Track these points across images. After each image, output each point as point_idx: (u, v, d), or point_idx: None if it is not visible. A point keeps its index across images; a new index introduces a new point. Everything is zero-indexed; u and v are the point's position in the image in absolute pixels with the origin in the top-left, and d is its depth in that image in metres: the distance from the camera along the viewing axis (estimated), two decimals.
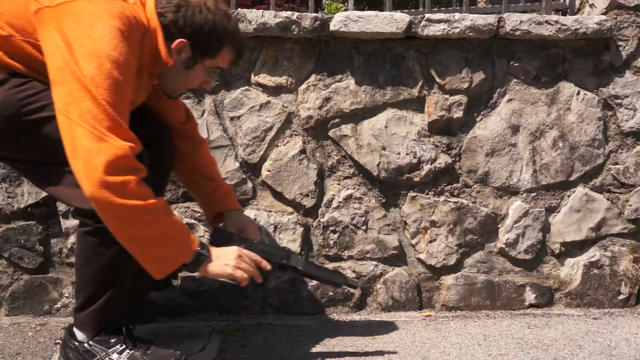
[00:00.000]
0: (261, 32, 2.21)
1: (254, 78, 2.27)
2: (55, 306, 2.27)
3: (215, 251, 1.65)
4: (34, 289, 2.26)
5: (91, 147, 1.44)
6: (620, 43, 2.35)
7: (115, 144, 1.45)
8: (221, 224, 2.02)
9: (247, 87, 2.27)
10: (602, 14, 2.35)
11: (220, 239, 1.77)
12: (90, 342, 1.69)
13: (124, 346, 1.69)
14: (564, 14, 2.60)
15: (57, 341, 2.00)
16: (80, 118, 1.45)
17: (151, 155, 1.65)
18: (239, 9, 2.25)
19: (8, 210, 2.23)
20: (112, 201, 1.45)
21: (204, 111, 2.27)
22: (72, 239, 2.25)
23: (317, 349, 1.93)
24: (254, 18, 2.20)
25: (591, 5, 2.42)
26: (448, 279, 2.34)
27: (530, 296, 2.36)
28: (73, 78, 1.47)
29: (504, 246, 2.35)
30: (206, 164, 2.06)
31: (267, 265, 1.72)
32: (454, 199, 2.34)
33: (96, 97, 1.45)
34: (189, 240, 1.60)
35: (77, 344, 1.70)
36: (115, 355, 1.68)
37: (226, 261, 1.64)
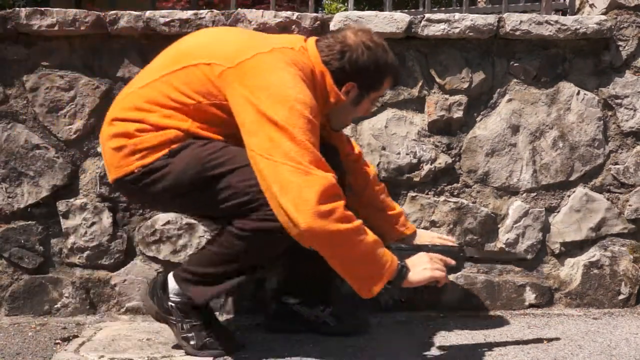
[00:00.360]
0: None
1: None
2: (55, 306, 2.27)
3: (408, 261, 1.73)
4: (33, 289, 2.26)
5: (300, 182, 1.55)
6: (620, 43, 2.35)
7: (320, 175, 1.57)
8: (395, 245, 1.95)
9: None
10: (602, 14, 2.35)
11: (400, 251, 1.81)
12: (174, 302, 1.83)
13: (198, 323, 1.82)
14: (564, 14, 2.60)
15: (57, 341, 2.00)
16: (284, 157, 1.57)
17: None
18: (239, 8, 2.25)
19: (8, 210, 2.24)
20: (327, 229, 1.56)
21: None
22: (72, 239, 2.25)
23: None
24: (254, 18, 2.20)
25: (591, 5, 2.42)
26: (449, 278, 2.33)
27: (530, 296, 2.36)
28: (269, 124, 1.60)
29: (504, 246, 2.35)
30: (376, 195, 2.12)
31: (452, 261, 1.83)
32: (454, 199, 2.34)
33: (295, 136, 1.58)
34: (391, 256, 1.68)
35: (161, 293, 1.83)
36: (186, 326, 1.82)
37: (423, 266, 1.73)
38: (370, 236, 1.65)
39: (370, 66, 1.81)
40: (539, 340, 2.01)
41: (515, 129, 2.34)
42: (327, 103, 1.82)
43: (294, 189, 1.55)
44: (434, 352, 1.91)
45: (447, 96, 2.32)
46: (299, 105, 1.62)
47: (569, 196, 2.37)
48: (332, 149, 1.95)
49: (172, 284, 1.84)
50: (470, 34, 2.26)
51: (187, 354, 1.86)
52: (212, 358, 1.84)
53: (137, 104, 1.76)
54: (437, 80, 2.31)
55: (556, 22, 2.28)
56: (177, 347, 1.91)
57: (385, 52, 1.84)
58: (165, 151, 1.71)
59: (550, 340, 2.00)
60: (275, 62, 1.69)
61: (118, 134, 1.76)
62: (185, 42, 1.89)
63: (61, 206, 2.25)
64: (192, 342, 1.84)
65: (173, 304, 1.83)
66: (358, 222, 1.62)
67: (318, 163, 1.60)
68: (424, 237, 2.14)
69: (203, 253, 1.83)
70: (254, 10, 2.23)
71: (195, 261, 1.83)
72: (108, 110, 1.86)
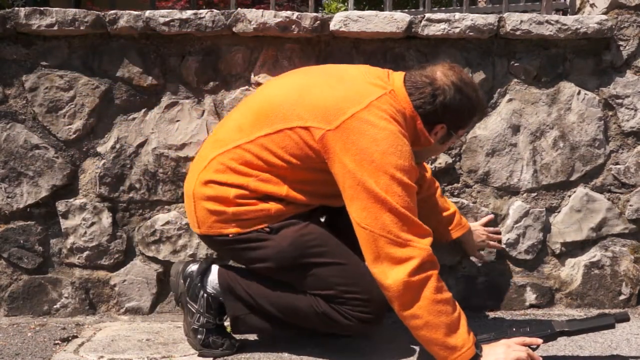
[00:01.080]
0: (261, 32, 2.21)
1: (253, 78, 2.27)
2: (55, 306, 2.26)
3: (485, 348, 1.69)
4: (33, 290, 2.25)
5: (397, 256, 1.62)
6: (621, 43, 2.34)
7: (418, 246, 1.62)
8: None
9: (246, 87, 2.27)
10: (603, 13, 2.35)
11: (481, 340, 1.74)
12: (209, 293, 1.85)
13: (213, 322, 1.86)
14: (565, 13, 2.60)
15: (57, 342, 1.99)
16: (383, 230, 1.62)
17: None
18: (239, 8, 2.24)
19: (7, 210, 2.23)
20: (412, 296, 1.62)
21: (203, 111, 2.26)
22: (71, 239, 2.25)
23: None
24: (253, 18, 2.20)
25: (592, 5, 2.42)
26: (448, 279, 2.33)
27: (530, 296, 2.36)
28: (367, 194, 1.63)
29: (504, 246, 2.34)
30: (434, 198, 2.17)
31: (539, 341, 1.73)
32: (455, 199, 2.33)
33: (393, 207, 1.62)
34: (469, 340, 1.65)
35: (198, 279, 1.85)
36: (202, 320, 1.85)
37: (497, 356, 1.66)
38: (456, 309, 1.66)
39: (462, 109, 1.80)
40: None
41: (515, 129, 2.34)
42: (416, 143, 1.81)
43: (390, 261, 1.62)
44: None
45: None
46: (399, 173, 1.64)
47: (569, 196, 2.37)
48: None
49: (213, 276, 1.86)
50: (471, 33, 2.26)
51: (190, 344, 1.89)
52: (212, 358, 1.84)
53: (232, 166, 1.77)
54: None
55: (557, 21, 2.27)
56: (176, 346, 1.90)
57: (474, 91, 1.83)
58: (264, 225, 1.76)
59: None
60: (375, 121, 1.68)
61: (216, 198, 1.78)
62: (272, 90, 1.87)
63: (60, 206, 2.24)
64: (199, 337, 1.86)
65: (206, 294, 1.85)
66: (448, 293, 1.65)
67: (417, 231, 1.64)
68: (475, 233, 2.24)
69: (270, 288, 1.84)
70: (253, 10, 2.22)
71: (257, 289, 1.83)
72: (195, 163, 1.90)
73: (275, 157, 1.74)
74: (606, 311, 2.32)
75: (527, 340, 1.72)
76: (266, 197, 1.76)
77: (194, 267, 1.88)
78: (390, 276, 1.62)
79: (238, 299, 1.83)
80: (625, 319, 1.78)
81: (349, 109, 1.69)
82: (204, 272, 1.87)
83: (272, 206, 1.76)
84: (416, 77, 1.79)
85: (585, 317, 1.78)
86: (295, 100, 1.76)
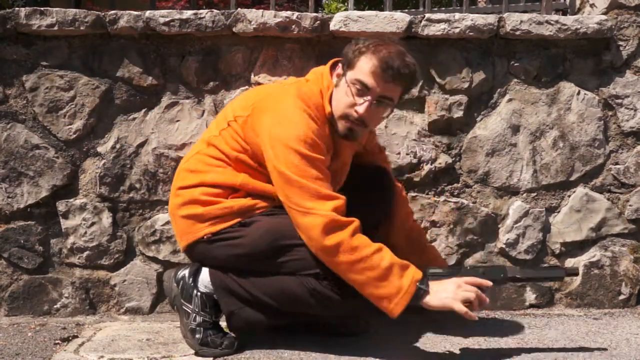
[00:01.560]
0: (261, 32, 2.21)
1: (253, 78, 2.27)
2: (55, 306, 2.26)
3: (434, 285, 1.71)
4: (33, 289, 2.26)
5: (304, 225, 1.70)
6: (620, 43, 2.34)
7: (319, 213, 1.68)
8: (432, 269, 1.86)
9: (246, 86, 2.27)
10: (603, 13, 2.35)
11: (434, 275, 1.77)
12: (202, 292, 1.87)
13: (209, 320, 1.87)
14: (564, 13, 2.60)
15: (57, 341, 1.99)
16: (289, 201, 1.72)
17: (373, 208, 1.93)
18: (239, 8, 2.24)
19: (8, 210, 2.23)
20: (332, 261, 1.69)
21: (203, 111, 2.27)
22: (72, 239, 2.25)
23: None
24: (253, 18, 2.20)
25: (592, 5, 2.42)
26: None
27: (530, 296, 2.36)
28: (272, 168, 1.74)
29: (504, 246, 2.35)
30: (416, 230, 2.19)
31: (489, 283, 1.73)
32: (454, 199, 2.33)
33: (291, 178, 1.70)
34: (411, 278, 1.68)
35: (190, 280, 1.88)
36: (199, 319, 1.87)
37: (445, 294, 1.69)
38: (385, 260, 1.68)
39: (350, 45, 1.83)
40: (539, 341, 2.00)
41: (515, 129, 2.34)
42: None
43: (302, 229, 1.71)
44: (434, 352, 1.91)
45: (447, 96, 2.31)
46: (296, 144, 1.72)
47: (569, 196, 2.37)
48: (381, 172, 2.03)
49: (205, 275, 1.88)
50: (471, 33, 2.26)
51: (188, 345, 1.88)
52: (212, 358, 1.84)
53: (192, 168, 1.89)
54: (437, 80, 2.31)
55: (556, 22, 2.28)
56: (176, 346, 1.90)
57: (373, 42, 1.81)
58: (236, 221, 1.82)
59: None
60: (279, 96, 1.82)
61: (186, 203, 1.86)
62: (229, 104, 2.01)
63: (61, 206, 2.24)
64: (197, 336, 1.86)
65: (200, 293, 1.87)
66: (367, 250, 1.68)
67: (318, 199, 1.69)
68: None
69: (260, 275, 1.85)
70: (253, 10, 2.22)
71: (248, 280, 1.84)
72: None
73: (224, 154, 1.85)
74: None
75: (478, 281, 1.72)
76: (229, 192, 1.84)
77: (185, 271, 1.91)
78: (311, 245, 1.71)
79: (231, 293, 1.85)
80: (574, 273, 1.85)
81: (264, 93, 1.87)
82: (196, 273, 1.90)
83: (236, 202, 1.82)
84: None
85: (538, 267, 1.84)
86: (236, 102, 1.94)
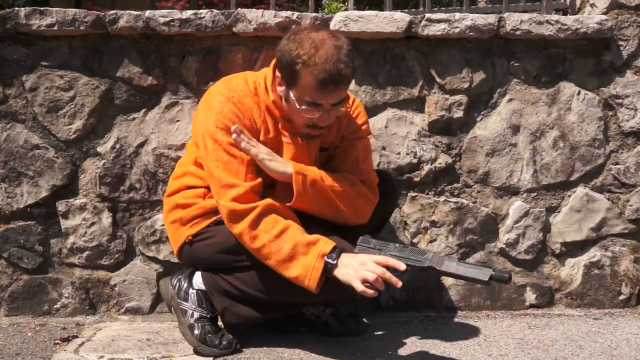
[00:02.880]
0: (261, 32, 2.21)
1: None
2: (55, 306, 2.26)
3: (344, 258, 1.70)
4: (33, 289, 2.25)
5: (223, 210, 1.76)
6: (621, 43, 2.34)
7: (222, 203, 1.75)
8: (364, 237, 1.82)
9: None
10: (603, 13, 2.35)
11: (362, 246, 1.76)
12: (197, 289, 1.92)
13: (206, 315, 1.90)
14: (565, 13, 2.60)
15: (57, 341, 1.99)
16: (214, 193, 1.79)
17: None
18: (239, 8, 2.24)
19: (7, 210, 2.23)
20: (247, 247, 1.75)
21: None
22: (72, 239, 2.25)
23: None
24: (253, 18, 2.20)
25: (592, 5, 2.42)
26: (448, 279, 2.34)
27: (530, 296, 2.36)
28: (203, 159, 1.83)
29: (504, 246, 2.35)
30: None
31: (402, 266, 1.66)
32: (454, 199, 2.33)
33: (208, 168, 1.78)
34: (313, 254, 1.69)
35: (185, 281, 1.93)
36: (196, 315, 1.90)
37: (348, 270, 1.67)
38: (288, 242, 1.70)
39: (285, 63, 1.73)
40: (539, 341, 2.00)
41: (515, 129, 2.34)
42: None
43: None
44: (434, 352, 1.91)
45: (447, 96, 2.31)
46: (210, 127, 1.78)
47: (569, 196, 2.37)
48: (381, 177, 1.99)
49: (198, 277, 1.94)
50: (471, 33, 2.26)
51: (188, 342, 1.90)
52: (212, 358, 1.84)
53: (174, 175, 2.00)
54: (437, 80, 2.31)
55: (557, 21, 2.28)
56: (176, 346, 1.90)
57: (299, 45, 1.70)
58: (212, 220, 1.87)
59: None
60: (211, 91, 1.89)
61: (171, 209, 1.95)
62: None
63: (61, 206, 2.24)
64: (195, 332, 1.88)
65: (195, 290, 1.92)
66: (269, 236, 1.71)
67: (221, 185, 1.76)
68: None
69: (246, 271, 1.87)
70: (253, 10, 2.22)
71: (236, 277, 1.87)
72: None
73: (195, 152, 1.92)
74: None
75: (391, 262, 1.66)
76: (205, 192, 1.89)
77: (180, 275, 1.98)
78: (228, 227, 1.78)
79: (222, 291, 1.88)
80: (504, 280, 1.61)
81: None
82: (190, 275, 1.95)
83: (209, 202, 1.87)
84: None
85: (469, 264, 1.66)
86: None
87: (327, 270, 1.68)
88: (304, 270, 1.69)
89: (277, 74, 1.79)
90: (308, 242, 1.71)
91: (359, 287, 1.64)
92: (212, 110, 1.80)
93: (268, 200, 1.75)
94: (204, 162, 1.82)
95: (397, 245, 1.75)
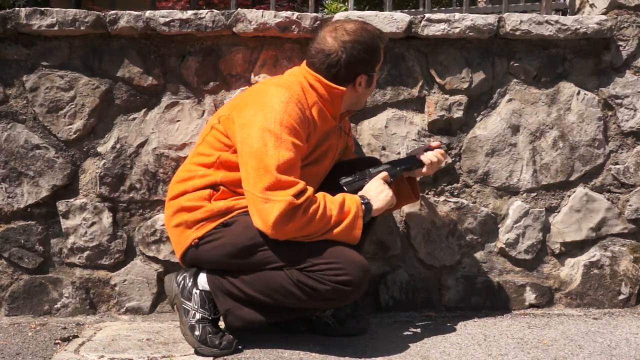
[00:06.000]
0: (261, 32, 2.21)
1: (253, 78, 2.27)
2: (55, 306, 2.26)
3: (366, 193, 1.92)
4: (33, 289, 2.26)
5: (262, 209, 1.76)
6: (620, 43, 2.34)
7: (277, 199, 1.74)
8: (343, 179, 2.00)
9: (247, 87, 2.27)
10: (603, 13, 2.35)
11: (350, 185, 1.96)
12: (201, 289, 1.91)
13: (208, 317, 1.90)
14: (564, 14, 2.60)
15: (57, 341, 2.00)
16: (252, 188, 1.78)
17: None
18: (239, 9, 2.24)
19: (8, 210, 2.23)
20: (291, 237, 1.79)
21: (204, 111, 2.27)
22: (72, 239, 2.25)
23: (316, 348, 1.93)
24: (254, 18, 2.20)
25: (591, 5, 2.42)
26: (448, 279, 2.34)
27: (530, 296, 2.36)
28: (243, 157, 1.83)
29: (504, 246, 2.35)
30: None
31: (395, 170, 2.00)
32: (454, 199, 2.34)
33: (257, 167, 1.77)
34: (352, 200, 1.85)
35: (190, 281, 1.93)
36: (198, 316, 1.90)
37: (384, 193, 1.92)
38: (328, 203, 1.81)
39: (365, 56, 1.93)
40: (539, 340, 2.01)
41: (515, 129, 2.34)
42: (335, 101, 1.94)
43: (259, 215, 1.77)
44: (434, 352, 1.91)
45: (447, 96, 2.32)
46: (271, 124, 1.80)
47: (569, 196, 2.37)
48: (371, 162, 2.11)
49: (203, 278, 1.92)
50: (471, 33, 2.26)
51: (188, 342, 1.90)
52: (212, 358, 1.84)
53: (178, 179, 1.97)
54: (437, 80, 2.31)
55: (556, 22, 2.28)
56: (176, 345, 1.90)
57: (365, 32, 1.93)
58: (219, 222, 1.87)
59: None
60: (259, 90, 1.92)
61: (174, 212, 1.94)
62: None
63: (61, 206, 2.25)
64: (196, 333, 1.88)
65: (199, 290, 1.91)
66: (312, 208, 1.77)
67: (279, 186, 1.75)
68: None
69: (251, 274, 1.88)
70: (254, 10, 2.23)
71: (241, 280, 1.87)
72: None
73: (206, 156, 1.92)
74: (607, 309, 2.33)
75: (386, 175, 1.97)
76: (211, 193, 1.89)
77: (185, 273, 1.96)
78: (264, 229, 1.77)
79: (227, 293, 1.88)
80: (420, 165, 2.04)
81: (244, 95, 1.99)
82: (196, 274, 1.94)
83: (216, 204, 1.88)
84: (312, 50, 1.95)
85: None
86: (221, 109, 2.05)
87: (369, 210, 1.87)
88: (353, 216, 1.82)
89: (359, 75, 1.94)
90: (340, 199, 1.85)
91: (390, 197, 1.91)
92: (272, 109, 1.82)
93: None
94: (257, 158, 1.78)
95: (372, 168, 1.99)
